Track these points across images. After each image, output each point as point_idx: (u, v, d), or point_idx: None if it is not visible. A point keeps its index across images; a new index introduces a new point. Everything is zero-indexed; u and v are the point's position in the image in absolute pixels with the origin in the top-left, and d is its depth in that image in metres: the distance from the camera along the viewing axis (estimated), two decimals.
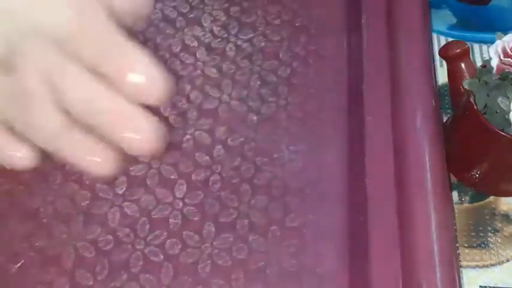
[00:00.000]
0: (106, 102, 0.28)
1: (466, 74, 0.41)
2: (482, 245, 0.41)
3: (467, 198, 0.43)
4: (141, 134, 0.28)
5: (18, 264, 0.37)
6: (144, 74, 0.27)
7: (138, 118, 0.28)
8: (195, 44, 0.47)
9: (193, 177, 0.41)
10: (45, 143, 0.28)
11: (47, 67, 0.27)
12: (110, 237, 0.39)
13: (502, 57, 0.38)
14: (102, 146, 0.28)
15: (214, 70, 0.46)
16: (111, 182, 0.41)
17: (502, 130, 0.38)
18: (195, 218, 0.39)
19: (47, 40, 0.27)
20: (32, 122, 0.28)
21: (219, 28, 0.48)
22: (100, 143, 0.28)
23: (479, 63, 0.46)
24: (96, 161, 0.28)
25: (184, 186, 0.41)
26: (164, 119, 0.43)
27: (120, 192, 0.40)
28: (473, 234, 0.42)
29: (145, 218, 0.39)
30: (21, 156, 0.29)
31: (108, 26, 0.27)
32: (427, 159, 0.38)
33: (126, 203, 0.40)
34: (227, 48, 0.47)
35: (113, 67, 0.27)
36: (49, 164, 0.41)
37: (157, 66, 0.27)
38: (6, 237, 0.38)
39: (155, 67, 0.27)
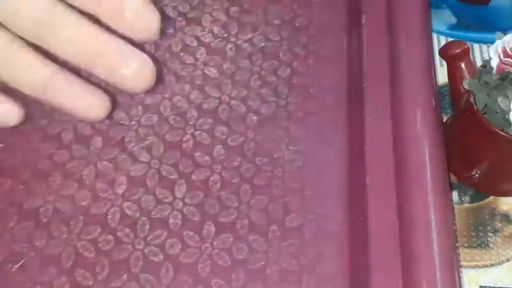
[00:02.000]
0: (97, 42, 0.28)
1: (466, 74, 0.41)
2: (482, 245, 0.41)
3: (467, 198, 0.43)
4: (133, 70, 0.28)
5: (18, 264, 0.37)
6: (134, 11, 0.27)
7: (129, 55, 0.28)
8: (195, 44, 0.47)
9: (193, 177, 0.41)
10: (33, 92, 0.28)
11: (36, 12, 0.27)
12: (110, 237, 0.39)
13: (502, 57, 0.38)
14: (92, 90, 0.28)
15: (214, 70, 0.46)
16: (111, 182, 0.41)
17: (502, 130, 0.38)
18: (195, 218, 0.39)
19: None
20: (19, 73, 0.28)
21: (219, 28, 0.48)
22: (89, 87, 0.28)
23: (479, 63, 0.46)
24: (86, 105, 0.28)
25: (184, 186, 0.41)
26: (164, 119, 0.44)
27: (120, 192, 0.40)
28: (473, 234, 0.42)
29: (145, 218, 0.39)
30: (4, 112, 0.29)
31: None
32: (427, 159, 0.38)
33: (126, 203, 0.40)
34: (227, 48, 0.47)
35: (103, 6, 0.27)
36: (49, 164, 0.41)
37: (147, 3, 0.28)
38: (6, 237, 0.38)
39: (145, 4, 0.28)
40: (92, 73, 0.28)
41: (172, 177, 0.41)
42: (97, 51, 0.28)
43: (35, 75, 0.28)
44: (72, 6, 0.27)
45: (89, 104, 0.28)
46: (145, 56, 0.28)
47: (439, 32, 0.51)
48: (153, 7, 0.28)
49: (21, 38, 0.27)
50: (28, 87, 0.28)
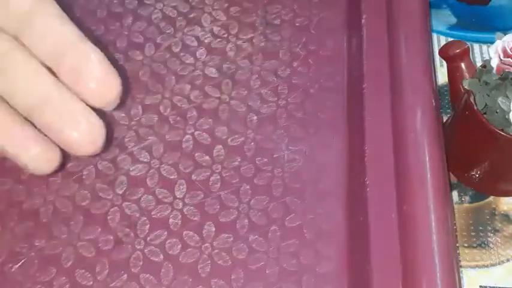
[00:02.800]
0: (51, 93, 0.25)
1: (466, 74, 0.41)
2: (482, 245, 0.41)
3: (467, 198, 0.43)
4: (81, 133, 0.26)
5: (18, 264, 0.37)
6: (95, 79, 0.25)
7: (80, 115, 0.26)
8: (195, 44, 0.47)
9: (193, 177, 0.41)
10: None
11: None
12: (110, 237, 0.39)
13: (502, 57, 0.38)
14: (42, 139, 0.26)
15: (214, 70, 0.46)
16: (111, 182, 0.41)
17: (502, 130, 0.38)
18: (195, 218, 0.39)
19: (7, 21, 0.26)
20: None
21: (219, 28, 0.48)
22: (40, 136, 0.26)
23: (479, 63, 0.46)
24: (33, 155, 0.26)
25: (184, 186, 0.41)
26: (164, 119, 0.44)
27: (120, 192, 0.40)
28: (473, 234, 0.42)
29: (145, 218, 0.39)
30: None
31: (62, 19, 0.26)
32: (427, 159, 0.38)
33: (126, 203, 0.40)
34: (227, 48, 0.47)
35: (65, 66, 0.25)
36: None
37: (110, 68, 0.26)
38: (6, 237, 0.38)
39: (108, 69, 0.26)
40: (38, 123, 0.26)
41: (172, 177, 0.41)
42: (43, 102, 0.25)
43: None
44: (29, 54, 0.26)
45: (36, 157, 0.26)
46: (96, 118, 0.26)
47: (439, 32, 0.51)
48: (115, 73, 0.26)
49: None
50: None
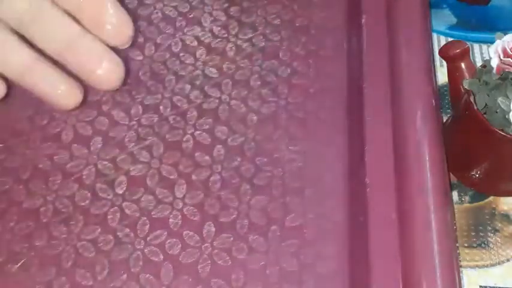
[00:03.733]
0: (78, 39, 0.30)
1: (466, 74, 0.41)
2: (482, 245, 0.41)
3: (467, 198, 0.43)
4: (104, 70, 0.30)
5: (18, 264, 0.37)
6: (113, 24, 0.30)
7: (102, 55, 0.30)
8: (195, 44, 0.47)
9: (193, 177, 0.41)
10: (13, 75, 0.30)
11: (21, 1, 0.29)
12: (110, 237, 0.39)
13: (502, 57, 0.38)
14: (67, 79, 0.31)
15: (214, 70, 0.46)
16: (111, 182, 0.41)
17: (502, 130, 0.38)
18: (195, 218, 0.39)
19: None
20: (0, 54, 0.30)
21: (219, 28, 0.48)
22: (65, 76, 0.31)
23: (479, 63, 0.46)
24: (61, 92, 0.31)
25: (184, 186, 0.41)
26: (164, 119, 0.44)
27: (120, 192, 0.40)
28: (473, 234, 0.42)
29: (145, 218, 0.39)
30: None
31: None
32: (427, 159, 0.38)
33: (126, 203, 0.40)
34: (227, 48, 0.47)
35: (86, 14, 0.30)
36: (49, 164, 0.41)
37: (124, 14, 0.30)
38: (6, 237, 0.38)
39: (122, 15, 0.30)
40: (65, 66, 0.30)
41: (172, 177, 0.41)
42: (71, 45, 0.30)
43: (15, 58, 0.30)
44: (56, 4, 0.29)
45: (63, 93, 0.31)
46: (115, 57, 0.31)
47: (439, 32, 0.51)
48: (129, 18, 0.31)
49: (6, 23, 0.29)
50: (8, 69, 0.30)
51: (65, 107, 0.31)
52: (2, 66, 0.30)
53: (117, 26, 0.30)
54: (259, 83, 0.45)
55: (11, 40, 0.29)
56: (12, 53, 0.30)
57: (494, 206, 0.43)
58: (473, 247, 0.41)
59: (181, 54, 0.47)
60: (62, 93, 0.31)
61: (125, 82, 0.31)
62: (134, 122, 0.43)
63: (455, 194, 0.43)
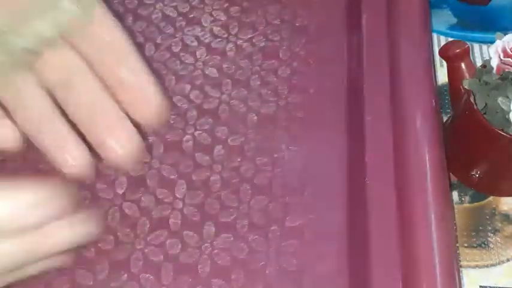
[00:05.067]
0: (102, 106, 0.29)
1: (466, 74, 0.41)
2: (482, 245, 0.41)
3: (467, 198, 0.43)
4: (121, 148, 0.29)
5: None
6: (141, 96, 0.29)
7: (124, 130, 0.29)
8: (195, 44, 0.47)
9: (193, 177, 0.41)
10: (27, 124, 0.29)
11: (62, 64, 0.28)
12: (110, 237, 0.39)
13: (502, 57, 0.38)
14: (80, 146, 0.29)
15: (214, 70, 0.46)
16: (111, 182, 0.41)
17: (502, 130, 0.38)
18: (195, 218, 0.39)
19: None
20: (20, 100, 0.29)
21: (219, 28, 0.48)
22: (79, 143, 0.29)
23: (479, 63, 0.46)
24: (69, 158, 0.29)
25: (184, 186, 0.41)
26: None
27: (120, 192, 0.40)
28: (473, 234, 0.42)
29: (145, 218, 0.39)
30: (3, 134, 0.30)
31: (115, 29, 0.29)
32: (427, 159, 0.38)
33: (126, 203, 0.40)
34: (227, 48, 0.47)
35: (114, 80, 0.29)
36: (49, 164, 0.41)
37: (157, 87, 0.29)
38: None
39: (155, 88, 0.29)
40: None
41: (172, 177, 0.41)
42: (94, 115, 0.29)
43: (32, 112, 0.29)
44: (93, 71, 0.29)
45: (69, 158, 0.29)
46: (137, 136, 0.29)
47: (439, 32, 0.51)
48: (165, 106, 0.29)
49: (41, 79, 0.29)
50: (25, 121, 0.29)
51: (68, 173, 0.30)
52: (19, 115, 0.29)
53: (156, 106, 0.29)
54: (259, 83, 0.45)
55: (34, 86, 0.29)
56: (30, 104, 0.29)
57: (494, 206, 0.43)
58: (473, 247, 0.41)
59: (181, 54, 0.47)
60: (68, 159, 0.29)
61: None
62: None
63: (455, 194, 0.43)
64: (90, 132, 0.29)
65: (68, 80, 0.29)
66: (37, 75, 0.29)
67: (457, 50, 0.42)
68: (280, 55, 0.47)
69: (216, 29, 0.48)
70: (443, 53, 0.43)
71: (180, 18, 0.49)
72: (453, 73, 0.42)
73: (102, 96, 0.29)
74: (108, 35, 0.29)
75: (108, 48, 0.29)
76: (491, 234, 0.42)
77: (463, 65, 0.42)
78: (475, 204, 0.43)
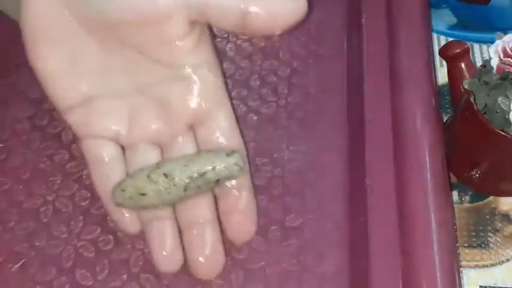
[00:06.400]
0: (198, 223, 0.36)
1: (466, 74, 0.41)
2: (482, 245, 0.41)
3: (467, 198, 0.43)
4: (208, 266, 0.36)
5: (18, 264, 0.37)
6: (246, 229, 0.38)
7: (214, 252, 0.36)
8: None
9: None
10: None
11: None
12: (110, 237, 0.39)
13: (502, 57, 0.38)
14: (173, 246, 0.36)
15: None
16: None
17: (502, 130, 0.38)
18: None
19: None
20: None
21: None
22: (174, 241, 0.36)
23: (479, 63, 0.46)
24: (163, 257, 0.36)
25: None
26: None
27: None
28: (473, 234, 0.42)
29: None
30: (125, 221, 0.37)
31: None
32: (427, 159, 0.38)
33: None
34: (227, 48, 0.47)
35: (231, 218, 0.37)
36: (49, 164, 0.41)
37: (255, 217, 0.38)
38: (6, 237, 0.38)
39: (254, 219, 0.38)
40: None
41: None
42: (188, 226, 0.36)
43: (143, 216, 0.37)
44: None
45: (165, 258, 0.36)
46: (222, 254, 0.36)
47: (439, 32, 0.51)
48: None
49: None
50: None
51: (164, 270, 0.36)
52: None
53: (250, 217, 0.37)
54: (259, 83, 0.45)
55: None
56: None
57: (494, 206, 0.43)
58: (473, 247, 0.41)
59: None
60: (163, 258, 0.36)
61: None
62: None
63: (455, 194, 0.43)
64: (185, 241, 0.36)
65: (192, 223, 0.36)
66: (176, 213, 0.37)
67: (457, 50, 0.42)
68: (280, 55, 0.47)
69: (216, 29, 0.48)
70: (443, 53, 0.43)
71: None
72: (453, 73, 0.42)
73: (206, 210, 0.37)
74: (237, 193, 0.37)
75: (237, 210, 0.37)
76: (491, 234, 0.42)
77: (463, 65, 0.42)
78: (475, 204, 0.43)
